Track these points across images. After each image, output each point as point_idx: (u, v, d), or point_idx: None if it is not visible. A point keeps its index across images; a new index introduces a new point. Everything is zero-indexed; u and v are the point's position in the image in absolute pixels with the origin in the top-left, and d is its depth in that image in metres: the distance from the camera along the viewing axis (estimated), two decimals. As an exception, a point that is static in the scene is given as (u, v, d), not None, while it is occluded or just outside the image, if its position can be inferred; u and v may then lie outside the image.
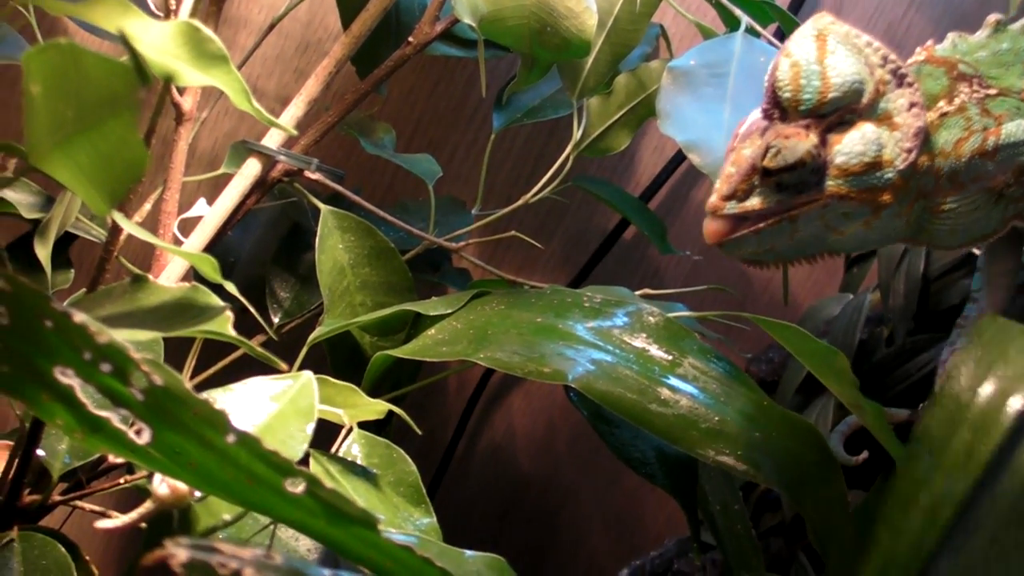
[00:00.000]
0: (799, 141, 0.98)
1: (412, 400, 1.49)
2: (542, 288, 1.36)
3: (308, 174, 1.35)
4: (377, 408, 1.16)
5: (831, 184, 0.99)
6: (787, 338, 1.19)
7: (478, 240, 1.48)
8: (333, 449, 1.17)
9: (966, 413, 1.00)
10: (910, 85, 1.01)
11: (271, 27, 1.45)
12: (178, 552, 0.58)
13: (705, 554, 1.63)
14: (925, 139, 1.01)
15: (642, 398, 1.12)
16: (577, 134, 1.42)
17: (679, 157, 1.91)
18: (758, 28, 1.36)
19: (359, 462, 1.17)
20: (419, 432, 1.18)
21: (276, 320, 1.49)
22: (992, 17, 1.10)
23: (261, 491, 0.71)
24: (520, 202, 1.45)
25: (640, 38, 1.40)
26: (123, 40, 0.78)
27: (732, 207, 1.00)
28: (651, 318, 1.22)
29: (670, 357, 1.18)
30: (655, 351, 1.19)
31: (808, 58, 0.99)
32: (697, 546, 1.33)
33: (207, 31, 0.95)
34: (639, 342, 1.19)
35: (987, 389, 0.99)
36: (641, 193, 1.91)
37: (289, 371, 1.13)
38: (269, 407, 1.06)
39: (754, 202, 1.00)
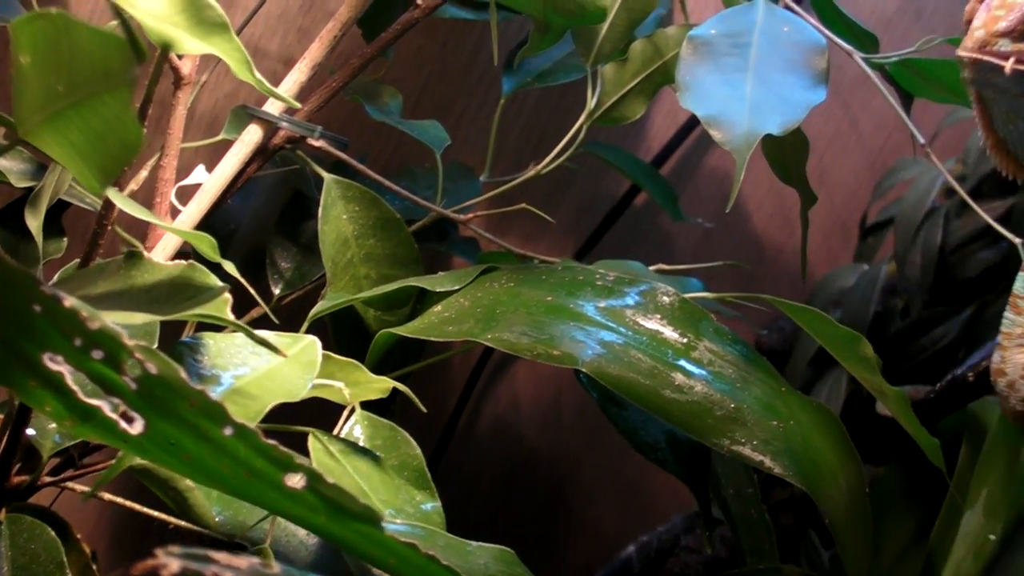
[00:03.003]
0: None
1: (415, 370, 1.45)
2: (554, 263, 1.33)
3: (312, 141, 1.31)
4: (381, 386, 1.13)
5: None
6: (809, 322, 1.16)
7: (486, 212, 1.44)
8: (335, 431, 1.14)
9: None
10: None
11: (275, -13, 1.40)
12: (170, 562, 0.54)
13: (713, 530, 1.60)
14: None
15: (655, 383, 1.09)
16: (591, 103, 1.37)
17: (691, 123, 1.88)
18: (778, -8, 1.32)
19: (361, 444, 1.13)
20: (424, 410, 1.15)
21: (277, 292, 1.45)
22: None
23: (259, 485, 0.68)
24: (531, 173, 1.41)
25: (658, 2, 1.36)
26: (116, 11, 0.74)
27: (1006, 45, 0.95)
28: (665, 298, 1.18)
29: (685, 340, 1.15)
30: (669, 333, 1.15)
31: None
32: (707, 530, 1.30)
33: (207, -4, 0.91)
34: (653, 323, 1.16)
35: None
36: (653, 159, 1.88)
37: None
38: (273, 357, 1.02)
39: None
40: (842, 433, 1.15)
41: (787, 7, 1.31)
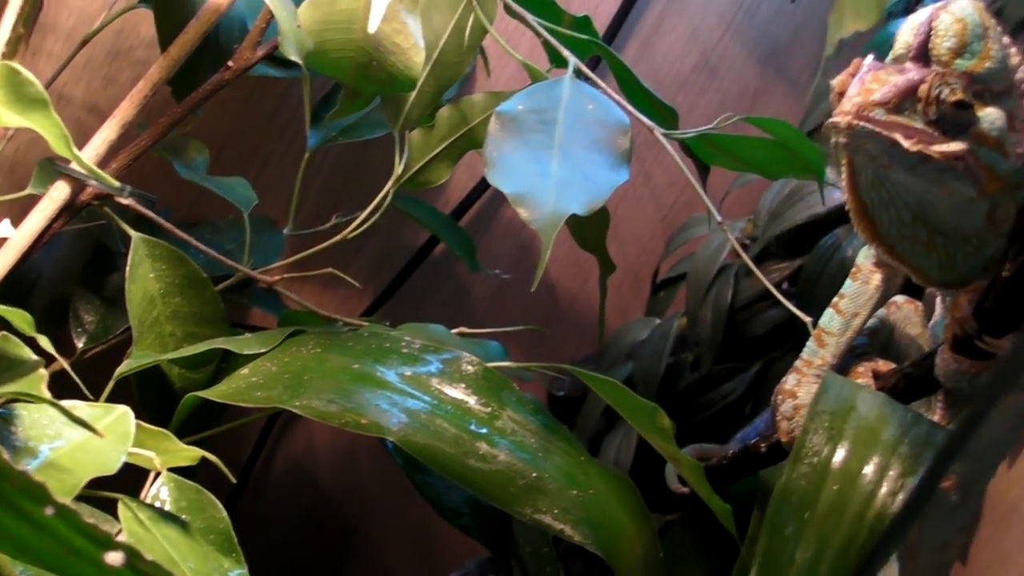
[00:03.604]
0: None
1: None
2: (360, 327, 1.34)
3: (120, 199, 1.31)
4: (190, 455, 1.13)
5: (968, 141, 0.98)
6: (609, 392, 1.20)
7: (292, 275, 1.45)
8: (143, 494, 1.14)
9: (828, 470, 1.04)
10: None
11: (84, 42, 1.39)
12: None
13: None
14: None
15: (459, 452, 1.12)
16: (399, 168, 1.40)
17: (491, 177, 1.90)
18: (584, 69, 1.34)
19: (168, 508, 1.13)
20: (234, 480, 1.16)
21: (80, 345, 1.44)
22: None
23: (79, 563, 0.69)
24: (338, 237, 1.42)
25: (464, 70, 1.38)
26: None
27: (880, 114, 0.98)
28: (469, 367, 1.20)
29: (488, 409, 1.17)
30: (473, 403, 1.18)
31: (974, 21, 0.99)
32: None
33: (27, 74, 0.92)
34: (457, 392, 1.18)
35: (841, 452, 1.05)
36: (452, 211, 1.91)
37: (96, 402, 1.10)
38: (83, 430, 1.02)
39: (902, 120, 0.98)
40: (638, 500, 1.19)
41: (588, 79, 1.33)
